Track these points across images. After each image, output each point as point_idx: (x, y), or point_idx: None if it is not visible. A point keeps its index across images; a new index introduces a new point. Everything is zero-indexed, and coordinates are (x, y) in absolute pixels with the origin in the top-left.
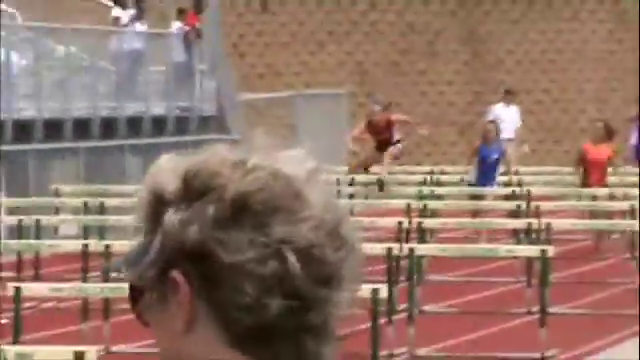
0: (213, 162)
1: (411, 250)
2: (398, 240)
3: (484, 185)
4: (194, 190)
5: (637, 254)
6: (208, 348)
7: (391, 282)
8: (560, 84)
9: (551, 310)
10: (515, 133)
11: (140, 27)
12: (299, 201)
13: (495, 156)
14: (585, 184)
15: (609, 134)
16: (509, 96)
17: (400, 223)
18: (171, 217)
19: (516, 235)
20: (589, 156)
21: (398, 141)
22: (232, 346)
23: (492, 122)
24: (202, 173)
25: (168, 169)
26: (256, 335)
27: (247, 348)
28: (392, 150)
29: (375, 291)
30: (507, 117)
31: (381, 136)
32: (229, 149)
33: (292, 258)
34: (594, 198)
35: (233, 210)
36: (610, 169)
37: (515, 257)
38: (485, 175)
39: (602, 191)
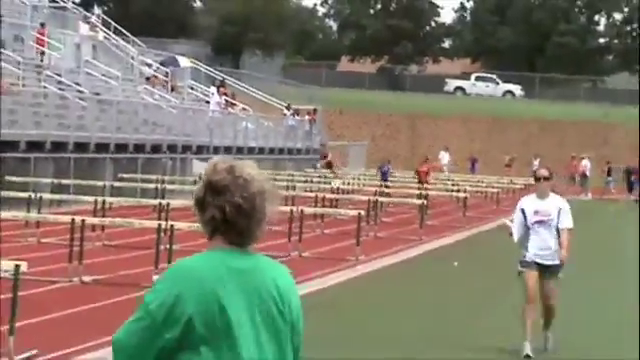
0: (218, 166)
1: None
2: None
3: None
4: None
5: None
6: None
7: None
8: None
9: None
10: None
11: (295, 117)
12: (239, 185)
13: None
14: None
15: None
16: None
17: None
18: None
19: None
20: None
21: None
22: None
23: None
24: (207, 168)
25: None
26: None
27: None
28: None
29: (359, 214)
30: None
31: None
32: (226, 159)
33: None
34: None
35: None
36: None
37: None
38: None
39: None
